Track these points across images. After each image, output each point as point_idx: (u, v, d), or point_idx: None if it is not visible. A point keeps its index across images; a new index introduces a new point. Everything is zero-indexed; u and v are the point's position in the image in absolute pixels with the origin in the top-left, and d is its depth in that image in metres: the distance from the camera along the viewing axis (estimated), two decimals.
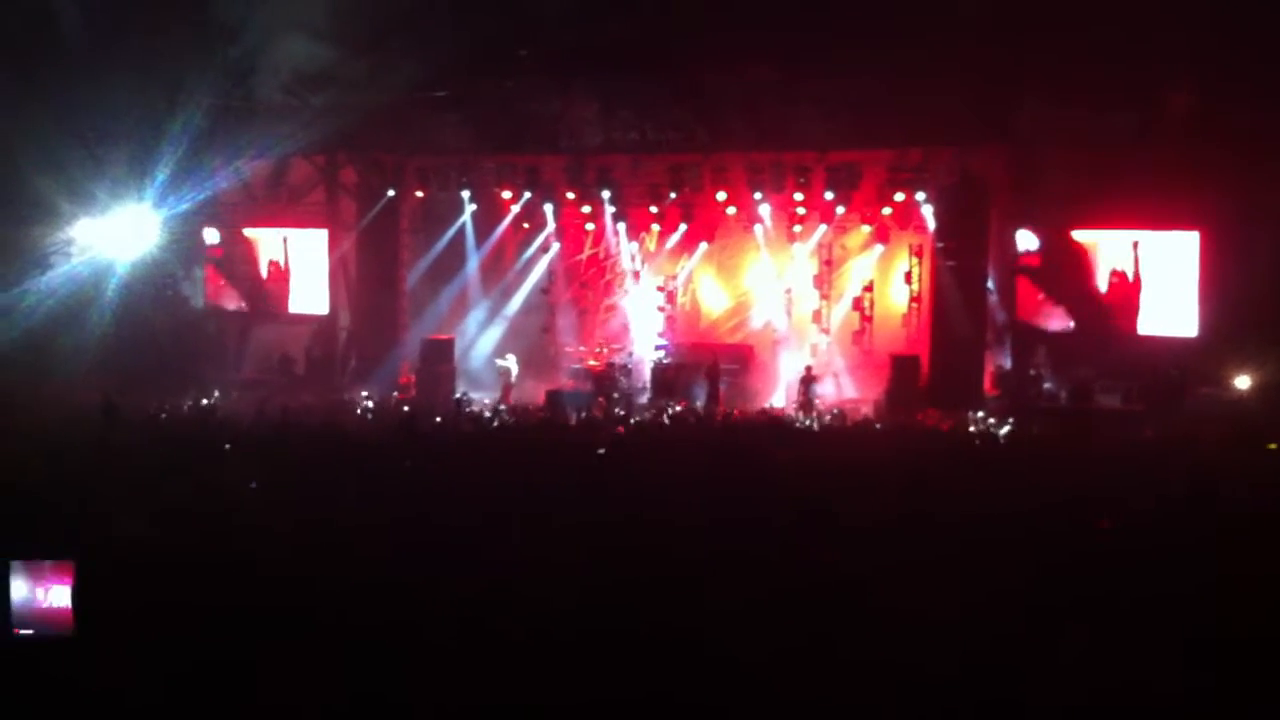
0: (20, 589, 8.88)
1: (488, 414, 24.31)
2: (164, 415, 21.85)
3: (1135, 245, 24.64)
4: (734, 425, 22.99)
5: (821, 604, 9.39)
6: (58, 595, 8.87)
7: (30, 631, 8.85)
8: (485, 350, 29.16)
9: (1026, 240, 25.38)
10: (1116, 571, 10.27)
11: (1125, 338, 24.67)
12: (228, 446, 15.94)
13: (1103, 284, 25.09)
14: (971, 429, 22.01)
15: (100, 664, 8.59)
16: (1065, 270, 25.28)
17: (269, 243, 30.33)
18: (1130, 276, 24.80)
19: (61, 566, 8.93)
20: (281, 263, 30.18)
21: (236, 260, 30.37)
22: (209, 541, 9.85)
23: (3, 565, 8.88)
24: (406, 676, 8.45)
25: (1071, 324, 25.27)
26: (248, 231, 30.31)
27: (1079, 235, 25.20)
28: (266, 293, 30.30)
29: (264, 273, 30.37)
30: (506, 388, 27.00)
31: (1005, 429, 21.59)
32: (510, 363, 27.46)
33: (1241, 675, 8.22)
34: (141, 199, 26.27)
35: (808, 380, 25.41)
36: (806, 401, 24.92)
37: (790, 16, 23.42)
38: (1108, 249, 25.10)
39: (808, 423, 23.54)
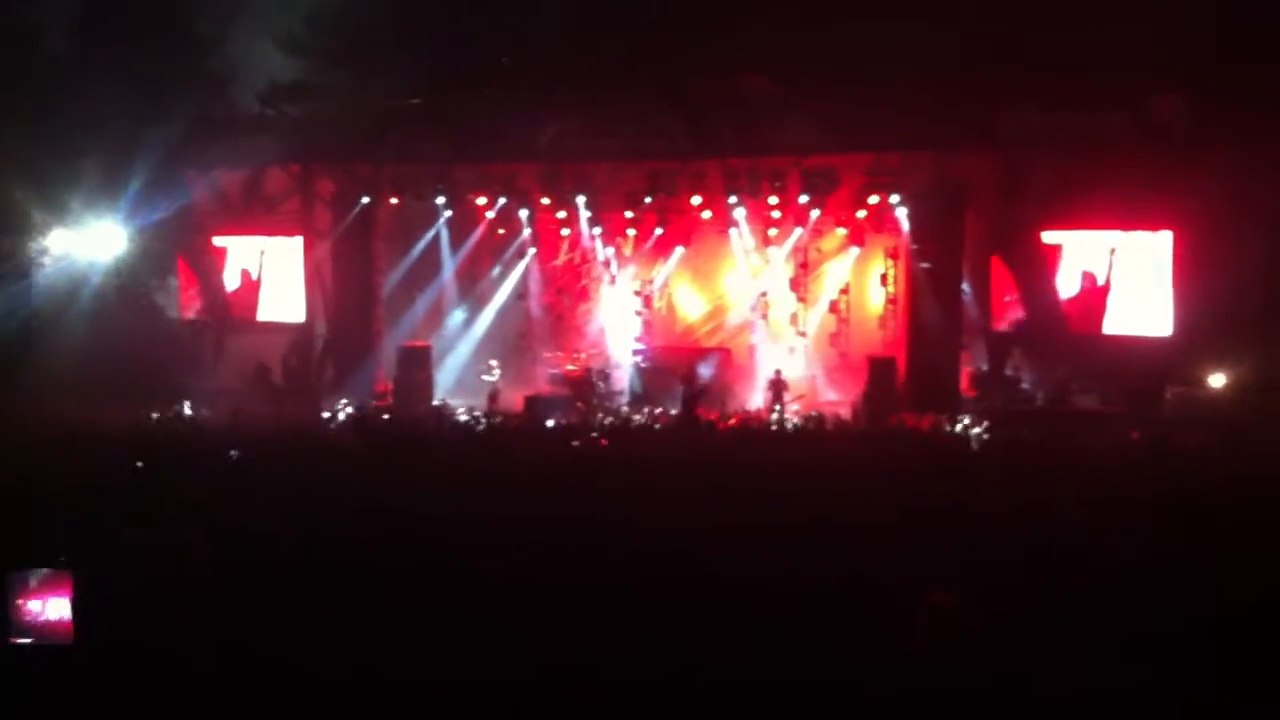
0: (18, 598, 8.91)
1: (468, 419, 24.38)
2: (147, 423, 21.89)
3: (1112, 252, 24.82)
4: (713, 431, 23.09)
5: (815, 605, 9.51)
6: (57, 605, 8.91)
7: (29, 640, 8.88)
8: (462, 357, 29.10)
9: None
10: (1105, 571, 10.37)
11: (1087, 339, 24.91)
12: (233, 453, 15.95)
13: (1074, 285, 25.33)
14: (949, 429, 22.21)
15: (100, 673, 8.63)
16: (1022, 270, 25.50)
17: (241, 251, 30.19)
18: (1100, 280, 25.00)
19: (59, 576, 8.97)
20: (254, 272, 30.04)
21: (202, 270, 30.10)
22: (211, 547, 9.86)
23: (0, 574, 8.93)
24: (409, 668, 8.58)
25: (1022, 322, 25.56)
26: (220, 240, 30.08)
27: (1052, 236, 25.40)
28: (231, 301, 30.12)
29: (235, 281, 30.22)
30: (492, 395, 26.96)
31: (976, 431, 21.81)
32: (494, 372, 27.46)
33: (1238, 674, 8.37)
34: (116, 209, 26.12)
35: (777, 384, 25.57)
36: (776, 405, 25.10)
37: (775, 24, 23.52)
38: (1077, 250, 25.30)
39: (779, 426, 23.69)
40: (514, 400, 26.70)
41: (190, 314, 30.02)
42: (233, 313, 29.94)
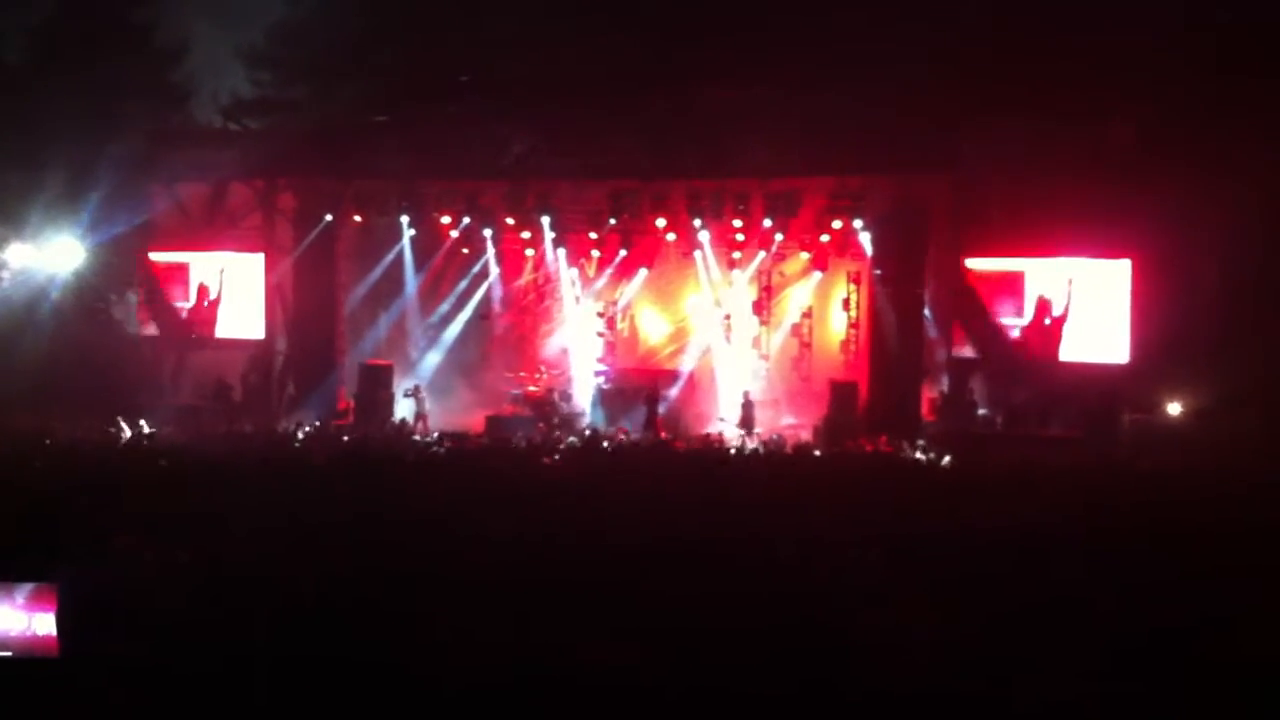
0: (1, 613, 8.81)
1: (425, 438, 24.33)
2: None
3: (1070, 282, 24.83)
4: (674, 451, 23.06)
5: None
6: (42, 621, 8.79)
7: (9, 654, 8.78)
8: (424, 375, 28.94)
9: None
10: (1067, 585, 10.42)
11: (1043, 366, 24.97)
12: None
13: (1029, 312, 25.36)
14: (912, 454, 22.27)
15: (86, 686, 8.54)
16: (967, 302, 25.57)
17: (201, 267, 29.70)
18: (1058, 308, 24.98)
19: (43, 590, 8.85)
20: (213, 289, 29.48)
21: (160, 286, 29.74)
22: (196, 561, 9.84)
23: None
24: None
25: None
26: (182, 256, 29.62)
27: (1010, 263, 25.44)
28: (191, 319, 29.71)
29: (191, 298, 29.76)
30: (420, 416, 26.86)
31: (935, 455, 21.91)
32: (424, 404, 27.29)
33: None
34: (76, 222, 25.95)
35: (746, 406, 25.57)
36: (744, 428, 25.12)
37: (736, 46, 23.64)
38: (1036, 277, 25.26)
39: (742, 449, 23.71)
40: (476, 419, 26.66)
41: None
42: (193, 329, 29.54)
